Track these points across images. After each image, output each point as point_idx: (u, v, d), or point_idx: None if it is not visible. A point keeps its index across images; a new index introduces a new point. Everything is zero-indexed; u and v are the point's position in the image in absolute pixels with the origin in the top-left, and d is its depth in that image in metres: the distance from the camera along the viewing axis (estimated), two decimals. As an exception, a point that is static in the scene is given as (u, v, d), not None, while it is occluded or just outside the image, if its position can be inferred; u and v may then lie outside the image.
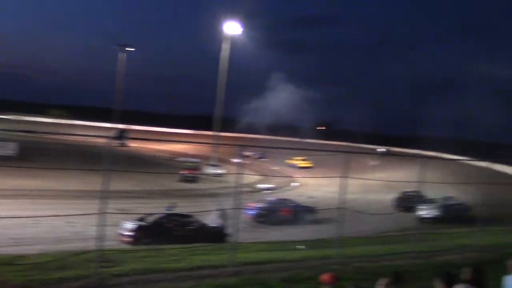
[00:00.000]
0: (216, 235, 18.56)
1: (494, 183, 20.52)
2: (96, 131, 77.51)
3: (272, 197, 31.31)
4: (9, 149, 41.37)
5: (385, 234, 21.79)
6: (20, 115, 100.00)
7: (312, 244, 16.42)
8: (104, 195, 9.75)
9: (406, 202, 32.10)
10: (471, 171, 44.84)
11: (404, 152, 71.19)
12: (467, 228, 21.42)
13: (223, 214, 20.74)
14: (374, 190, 43.29)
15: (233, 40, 57.27)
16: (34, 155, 42.52)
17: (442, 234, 20.50)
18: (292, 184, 47.46)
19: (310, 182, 47.06)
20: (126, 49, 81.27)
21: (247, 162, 55.76)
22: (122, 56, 79.66)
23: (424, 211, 27.35)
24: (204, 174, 45.81)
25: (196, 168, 46.10)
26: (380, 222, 26.03)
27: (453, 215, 28.95)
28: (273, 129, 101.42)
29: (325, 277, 7.01)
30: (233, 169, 46.53)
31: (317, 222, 27.05)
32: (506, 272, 7.38)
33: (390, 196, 36.14)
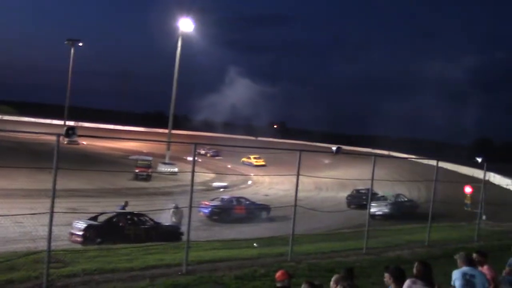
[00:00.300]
0: (170, 234, 18.39)
1: (443, 181, 21.21)
2: (45, 128, 75.35)
3: (226, 195, 31.29)
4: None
5: (338, 231, 22.15)
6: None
7: (266, 241, 16.50)
8: (54, 194, 9.47)
9: (358, 199, 32.83)
10: (421, 169, 46.29)
11: (356, 151, 72.68)
12: (416, 225, 22.06)
13: (176, 212, 20.62)
14: (327, 188, 44.01)
15: (187, 37, 56.86)
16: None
17: (393, 230, 21.02)
18: (247, 182, 47.58)
19: (265, 180, 47.36)
20: (77, 44, 79.40)
21: (201, 160, 55.62)
22: (72, 52, 77.75)
23: (376, 208, 28.02)
24: (158, 172, 45.29)
25: (149, 166, 45.51)
26: (333, 219, 26.45)
27: (403, 212, 29.76)
28: (228, 127, 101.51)
29: (277, 274, 7.08)
30: (187, 167, 46.29)
31: (271, 220, 27.26)
32: (455, 266, 7.63)
33: (342, 194, 36.78)
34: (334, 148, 14.70)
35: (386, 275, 6.02)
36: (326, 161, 59.54)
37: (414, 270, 6.65)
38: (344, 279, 5.99)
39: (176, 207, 20.99)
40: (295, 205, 13.42)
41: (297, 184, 13.45)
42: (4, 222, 18.65)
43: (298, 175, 13.36)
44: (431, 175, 18.52)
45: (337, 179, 42.03)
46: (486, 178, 22.77)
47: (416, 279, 6.39)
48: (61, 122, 77.68)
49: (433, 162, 23.68)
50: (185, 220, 18.31)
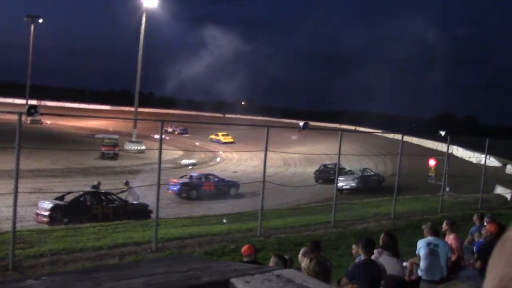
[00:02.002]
0: (139, 212, 18.28)
1: (408, 154, 21.62)
2: (5, 108, 73.28)
3: (195, 173, 31.21)
4: None
5: (306, 205, 22.42)
6: None
7: (235, 217, 16.61)
8: (17, 174, 9.27)
9: (326, 174, 33.21)
10: (385, 143, 47.05)
11: (323, 126, 73.30)
12: (382, 198, 22.51)
13: (131, 192, 20.44)
14: (295, 164, 44.34)
15: (152, 13, 55.81)
16: None
17: (360, 204, 21.40)
18: (216, 159, 47.53)
19: (233, 157, 47.38)
20: (37, 20, 77.01)
21: (169, 138, 55.20)
22: (32, 28, 75.38)
23: (343, 183, 28.40)
24: (125, 150, 44.76)
25: (115, 145, 44.88)
26: (301, 195, 26.73)
27: (370, 185, 30.29)
28: (195, 105, 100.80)
29: (243, 248, 7.16)
30: (154, 145, 45.86)
31: (240, 196, 27.37)
32: (420, 237, 7.85)
33: (310, 169, 37.15)
34: (301, 123, 14.85)
35: (354, 246, 6.15)
36: (294, 137, 59.85)
37: (380, 242, 6.82)
38: (310, 251, 6.10)
39: (127, 183, 20.91)
40: (264, 181, 13.52)
41: (265, 160, 13.53)
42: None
43: (266, 151, 13.43)
44: (396, 149, 18.87)
45: (304, 154, 42.38)
46: (450, 151, 23.33)
47: (382, 250, 6.56)
48: (23, 101, 75.66)
49: (398, 136, 24.11)
50: (145, 199, 18.34)
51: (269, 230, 13.65)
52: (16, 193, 9.30)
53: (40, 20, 78.37)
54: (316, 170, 35.47)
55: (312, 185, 30.75)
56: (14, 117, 9.36)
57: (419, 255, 7.48)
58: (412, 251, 8.00)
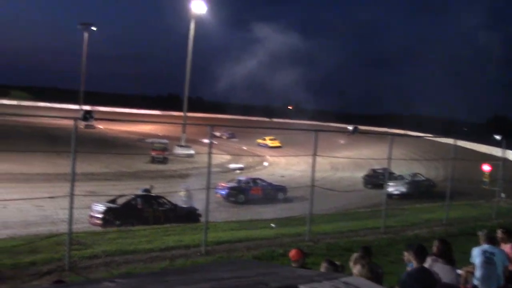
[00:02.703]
0: (188, 216, 18.55)
1: (460, 159, 21.02)
2: (61, 113, 76.01)
3: (243, 177, 31.36)
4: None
5: (355, 210, 22.14)
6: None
7: (283, 222, 16.59)
8: (73, 177, 9.59)
9: (375, 179, 32.69)
10: (436, 147, 45.89)
11: (372, 130, 72.25)
12: (434, 203, 21.97)
13: (190, 194, 20.75)
14: (343, 168, 43.88)
15: (200, 19, 56.60)
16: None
17: (410, 209, 20.96)
18: (263, 163, 47.63)
19: (281, 161, 47.37)
20: (90, 28, 79.54)
21: (217, 142, 55.74)
22: (86, 36, 77.90)
23: (393, 188, 27.89)
24: (174, 155, 45.50)
25: (165, 149, 45.71)
26: (349, 199, 26.42)
27: (421, 191, 29.62)
28: (242, 109, 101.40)
29: (291, 253, 7.09)
30: (202, 149, 46.43)
31: (288, 200, 27.32)
32: (474, 244, 7.61)
33: (359, 174, 36.67)
34: (350, 127, 14.64)
35: (406, 253, 6.01)
36: (342, 141, 59.25)
37: (434, 248, 6.64)
38: (362, 258, 6.00)
39: (187, 190, 21.16)
40: (312, 185, 13.44)
41: (314, 164, 13.45)
42: (25, 205, 18.95)
43: (314, 155, 13.35)
44: (448, 154, 18.38)
45: (353, 158, 41.89)
46: (505, 156, 22.52)
47: (436, 257, 6.39)
48: (76, 107, 78.23)
49: (450, 141, 23.46)
50: (199, 202, 18.52)
51: (317, 235, 13.56)
52: (72, 195, 9.61)
53: (93, 28, 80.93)
54: (365, 175, 34.99)
55: (361, 190, 30.36)
56: (69, 122, 9.70)
57: (474, 264, 7.24)
58: (465, 259, 7.76)
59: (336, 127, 78.87)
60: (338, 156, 38.89)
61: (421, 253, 5.87)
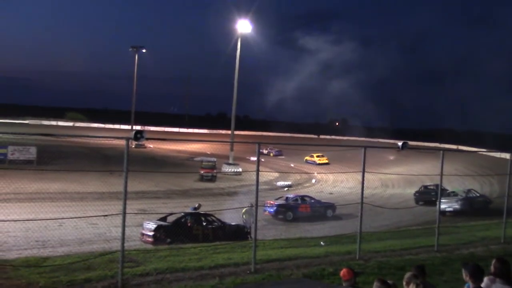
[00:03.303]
0: (237, 233, 18.61)
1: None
2: (112, 133, 78.23)
3: (291, 194, 31.26)
4: (30, 153, 42.00)
5: (406, 228, 21.61)
6: (38, 119, 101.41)
7: (333, 240, 16.36)
8: (125, 195, 9.82)
9: (427, 195, 31.93)
10: (490, 162, 44.39)
11: (422, 146, 70.66)
12: (490, 221, 21.19)
13: (250, 212, 20.65)
14: (393, 185, 43.08)
15: (246, 38, 57.30)
16: (53, 158, 43.09)
17: (465, 227, 20.28)
18: (311, 180, 47.34)
19: (329, 178, 46.95)
20: (140, 51, 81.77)
21: (264, 159, 55.86)
22: (136, 58, 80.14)
23: (446, 205, 27.09)
24: (222, 172, 45.91)
25: (213, 167, 46.21)
26: (400, 217, 25.87)
27: (475, 208, 28.65)
28: (289, 127, 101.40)
29: (342, 272, 6.99)
30: (250, 167, 46.65)
31: (337, 218, 27.01)
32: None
33: (410, 190, 35.89)
34: (400, 143, 14.38)
35: (465, 272, 5.81)
36: (391, 157, 58.29)
37: (492, 268, 6.39)
38: (416, 277, 5.85)
39: (251, 206, 21.09)
40: (362, 202, 13.23)
41: (363, 181, 13.25)
42: (80, 223, 19.55)
43: (363, 172, 13.17)
44: (502, 169, 17.73)
45: (403, 175, 41.05)
46: None
47: (494, 277, 6.15)
48: (128, 127, 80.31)
49: (505, 155, 22.63)
50: (252, 219, 18.50)
51: (368, 253, 13.30)
52: (124, 214, 9.83)
53: (143, 50, 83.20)
54: (416, 192, 34.20)
55: (412, 207, 29.68)
56: (121, 142, 9.96)
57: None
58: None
59: (384, 142, 77.65)
60: (388, 172, 38.20)
61: (477, 273, 5.68)
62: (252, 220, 19.97)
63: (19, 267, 10.23)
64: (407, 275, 6.00)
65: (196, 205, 21.58)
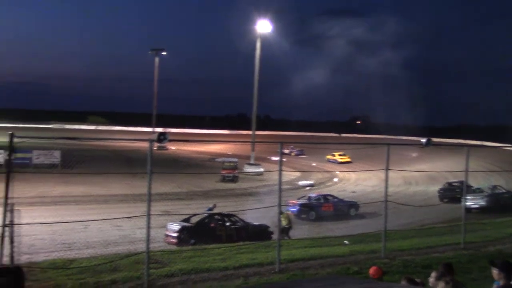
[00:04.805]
0: (260, 233, 18.60)
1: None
2: (134, 136, 78.97)
3: (313, 193, 31.13)
4: (54, 157, 42.64)
5: (431, 226, 21.36)
6: (61, 123, 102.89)
7: (357, 238, 16.26)
8: (149, 197, 9.91)
9: (451, 192, 31.53)
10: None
11: (445, 142, 69.77)
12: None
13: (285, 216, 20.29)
14: (416, 182, 42.62)
15: (266, 38, 57.22)
16: (77, 162, 43.69)
17: (492, 223, 19.96)
18: (333, 179, 47.11)
19: (351, 177, 46.67)
20: (160, 53, 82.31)
21: (286, 159, 55.77)
22: (157, 61, 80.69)
23: (471, 201, 26.67)
24: (244, 173, 45.94)
25: (234, 167, 46.26)
26: (424, 214, 25.59)
27: (502, 204, 28.16)
28: (310, 126, 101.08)
29: (372, 270, 6.97)
30: (271, 167, 46.63)
31: (360, 216, 26.83)
32: None
33: (434, 188, 35.45)
34: (423, 140, 14.23)
35: (494, 269, 5.71)
36: (414, 155, 57.62)
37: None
38: (445, 275, 5.77)
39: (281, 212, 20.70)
40: (386, 200, 13.12)
41: (387, 179, 13.14)
42: (105, 226, 19.77)
43: (387, 169, 13.05)
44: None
45: (426, 172, 40.59)
46: None
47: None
48: (149, 129, 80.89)
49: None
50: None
51: (393, 251, 13.18)
52: (148, 215, 9.92)
53: (163, 53, 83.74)
54: (440, 189, 33.76)
55: (437, 204, 29.31)
56: (143, 144, 10.06)
57: None
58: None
59: (406, 140, 76.89)
60: (411, 170, 37.81)
61: (507, 270, 5.57)
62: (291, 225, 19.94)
63: (47, 269, 10.39)
64: (435, 273, 5.93)
65: (211, 206, 21.63)
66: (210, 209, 21.07)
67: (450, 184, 33.29)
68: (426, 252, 13.54)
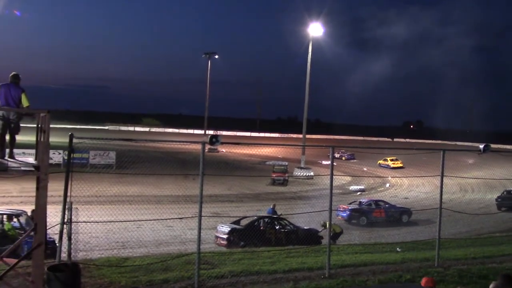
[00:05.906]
0: (310, 238, 18.49)
1: None
2: (186, 138, 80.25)
3: (364, 199, 30.69)
4: (109, 157, 43.96)
5: (488, 235, 20.61)
6: (116, 125, 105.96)
7: (409, 246, 15.89)
8: (201, 199, 10.03)
9: (510, 201, 30.40)
10: None
11: (504, 149, 67.22)
12: None
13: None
14: (473, 190, 41.28)
15: (318, 41, 56.99)
16: (132, 162, 44.78)
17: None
18: (385, 185, 46.28)
19: (404, 183, 45.70)
20: (213, 57, 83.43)
21: (336, 163, 55.22)
22: (209, 64, 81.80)
23: (531, 210, 25.64)
24: (294, 176, 45.84)
25: (285, 171, 46.23)
26: (481, 223, 24.74)
27: None
28: (361, 130, 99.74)
29: (424, 281, 6.80)
30: (322, 171, 46.26)
31: (413, 223, 26.23)
32: None
33: (491, 196, 34.23)
34: (481, 146, 13.73)
35: None
36: (470, 161, 55.85)
37: None
38: (504, 286, 5.57)
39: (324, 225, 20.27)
40: (440, 208, 12.76)
41: (441, 185, 12.77)
42: (157, 225, 20.18)
43: (442, 176, 12.69)
44: None
45: (483, 179, 39.22)
46: None
47: None
48: (201, 131, 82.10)
49: None
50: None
51: (447, 260, 12.79)
52: (200, 216, 10.04)
53: (216, 56, 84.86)
54: (498, 197, 32.57)
55: (494, 213, 28.28)
56: (195, 147, 10.19)
57: None
58: None
59: (462, 145, 74.58)
60: (467, 176, 36.65)
61: None
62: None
63: (102, 267, 10.68)
64: (493, 284, 5.73)
65: (272, 206, 21.89)
66: (272, 209, 21.30)
67: (509, 192, 32.08)
68: (483, 262, 13.06)
